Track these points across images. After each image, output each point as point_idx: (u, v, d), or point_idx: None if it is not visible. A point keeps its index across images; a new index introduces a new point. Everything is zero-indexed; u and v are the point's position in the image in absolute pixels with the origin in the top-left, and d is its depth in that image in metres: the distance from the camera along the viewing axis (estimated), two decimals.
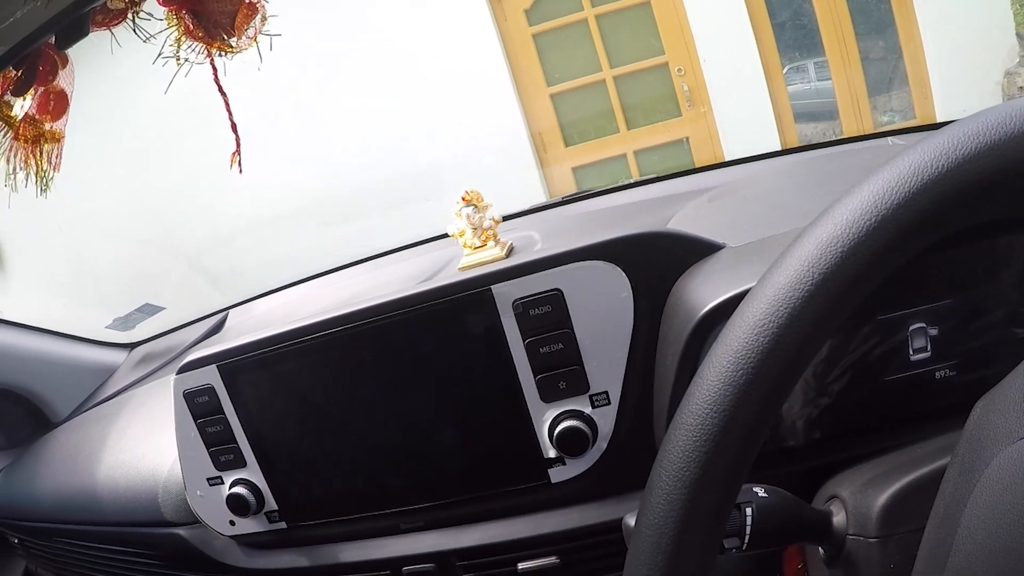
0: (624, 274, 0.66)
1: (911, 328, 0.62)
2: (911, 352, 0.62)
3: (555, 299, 0.67)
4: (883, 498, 0.50)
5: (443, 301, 0.70)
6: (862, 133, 3.02)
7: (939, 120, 2.89)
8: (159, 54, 0.75)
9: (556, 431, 0.68)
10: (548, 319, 0.67)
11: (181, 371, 0.83)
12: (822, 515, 0.55)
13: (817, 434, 0.65)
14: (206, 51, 0.77)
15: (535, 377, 0.69)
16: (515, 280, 0.68)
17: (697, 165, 3.20)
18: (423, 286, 0.71)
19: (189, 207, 2.73)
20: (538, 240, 1.07)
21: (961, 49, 2.90)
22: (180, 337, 1.58)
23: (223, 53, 0.79)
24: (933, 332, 0.62)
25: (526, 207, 1.40)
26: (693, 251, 0.68)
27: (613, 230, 0.67)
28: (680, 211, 0.96)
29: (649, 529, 0.36)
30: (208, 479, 0.85)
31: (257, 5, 0.77)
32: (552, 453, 0.70)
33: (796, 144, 3.23)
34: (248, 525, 0.85)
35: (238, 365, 0.79)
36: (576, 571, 0.75)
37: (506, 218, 1.36)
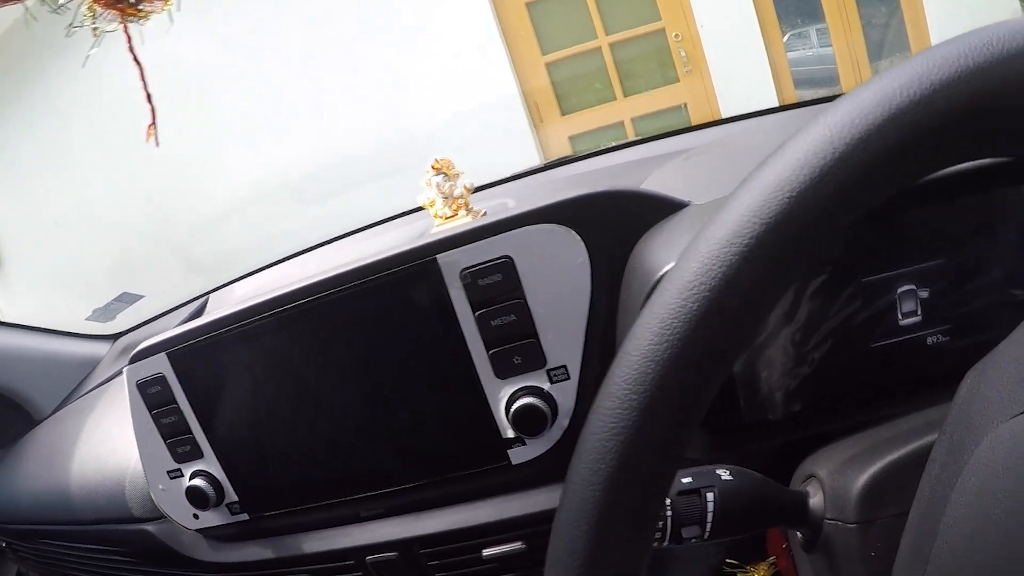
0: (579, 237, 0.61)
1: (899, 291, 0.56)
2: (900, 316, 0.57)
3: (505, 267, 0.61)
4: (863, 479, 0.46)
5: (388, 274, 0.65)
6: None
7: None
8: (70, 24, 0.70)
9: (512, 409, 0.63)
10: (499, 289, 0.62)
11: (132, 360, 0.80)
12: (797, 497, 0.51)
13: (797, 406, 0.60)
14: (119, 18, 0.72)
15: (488, 352, 0.64)
16: (462, 248, 0.63)
17: None
18: (366, 259, 0.66)
19: (167, 193, 2.70)
20: (512, 207, 1.02)
21: (963, 13, 2.81)
22: (163, 324, 1.56)
23: (136, 19, 0.74)
24: (923, 294, 0.56)
25: (507, 175, 1.34)
26: (654, 210, 0.62)
27: (569, 190, 0.62)
28: (656, 171, 0.90)
29: (564, 528, 0.31)
30: (168, 472, 0.82)
31: None
32: (511, 433, 0.65)
33: None
34: (211, 518, 0.82)
35: (187, 351, 0.75)
36: (541, 556, 0.71)
37: (484, 187, 1.31)
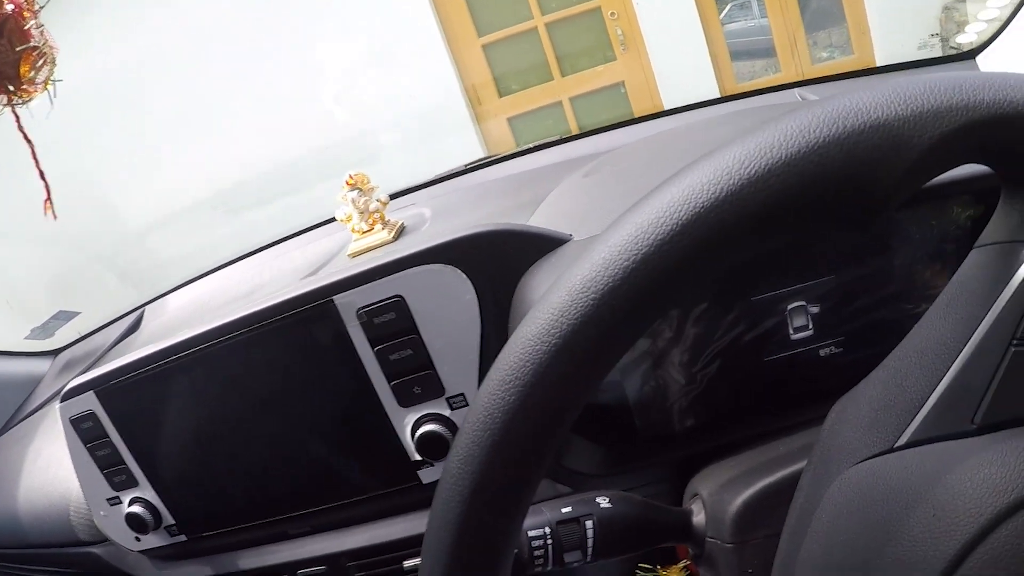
0: (466, 276, 0.64)
1: (790, 307, 0.61)
2: (791, 331, 0.61)
3: (398, 306, 0.65)
4: (737, 503, 0.50)
5: (291, 314, 0.68)
6: (798, 75, 3.01)
7: (877, 59, 2.87)
8: None
9: (417, 435, 0.68)
10: (394, 326, 0.66)
11: (63, 399, 0.82)
12: (681, 516, 0.54)
13: (692, 421, 0.65)
14: (6, 100, 0.75)
15: (390, 384, 0.68)
16: (357, 289, 0.66)
17: (634, 110, 3.19)
18: (269, 300, 0.69)
19: (97, 207, 2.67)
20: (428, 218, 1.05)
21: None
22: (101, 338, 1.56)
23: (20, 101, 0.76)
24: (814, 310, 0.60)
25: (428, 178, 1.37)
26: (536, 247, 0.66)
27: (456, 230, 0.66)
28: (556, 189, 0.94)
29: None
30: (107, 499, 0.86)
31: (43, 50, 0.75)
32: (418, 456, 0.70)
33: (732, 84, 3.20)
34: (152, 540, 0.86)
35: (113, 389, 0.79)
36: None
37: (403, 192, 1.34)
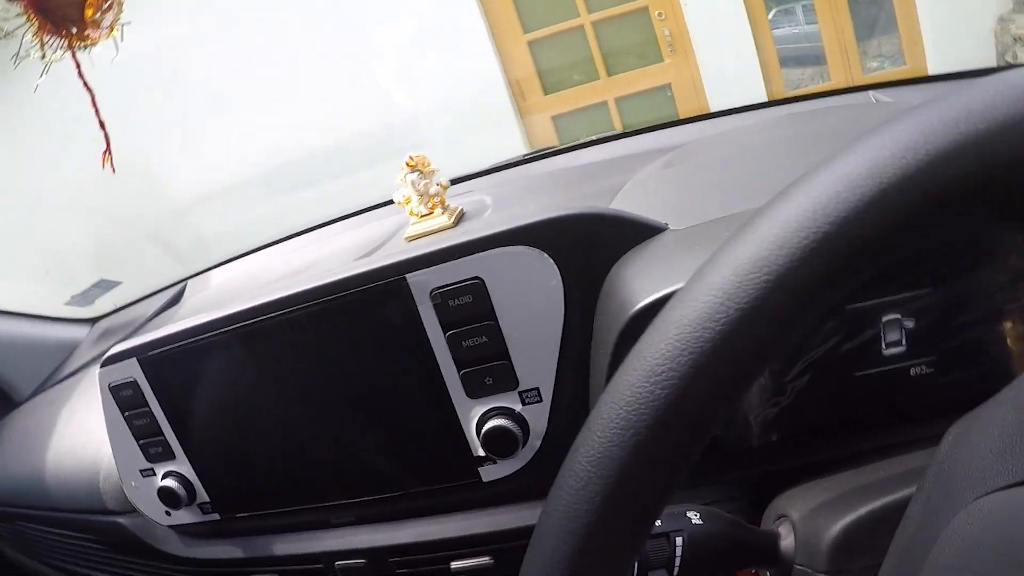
0: (552, 261, 0.60)
1: (884, 319, 0.55)
2: (884, 346, 0.56)
3: (476, 288, 0.61)
4: (836, 528, 0.46)
5: (358, 291, 0.64)
6: (849, 83, 2.93)
7: (930, 70, 2.81)
8: (17, 52, 0.69)
9: (484, 430, 0.63)
10: (470, 310, 0.61)
11: (104, 364, 0.80)
12: (768, 538, 0.50)
13: (776, 435, 0.60)
14: (67, 44, 0.71)
15: (459, 372, 0.64)
16: (432, 268, 0.62)
17: (680, 112, 3.15)
18: (332, 275, 0.65)
19: (143, 179, 2.66)
20: (489, 205, 1.01)
21: None
22: (141, 309, 1.56)
23: (83, 46, 0.73)
24: (908, 324, 0.56)
25: (487, 166, 1.33)
26: (630, 234, 0.61)
27: (543, 211, 0.61)
28: (632, 178, 0.89)
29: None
30: (141, 470, 0.83)
31: None
32: (482, 452, 0.66)
33: (781, 91, 3.14)
34: (183, 516, 0.83)
35: (158, 358, 0.75)
36: (509, 571, 0.71)
37: (462, 179, 1.30)
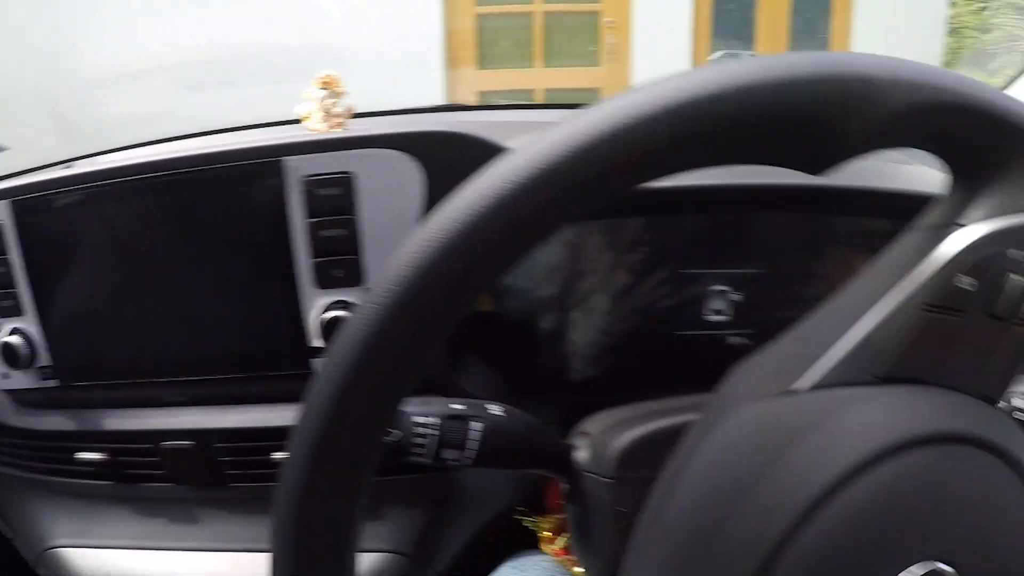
0: (421, 167, 0.64)
1: (712, 288, 0.62)
2: (707, 312, 0.62)
3: (346, 182, 0.64)
4: (623, 439, 0.50)
5: (233, 165, 0.66)
6: None
7: None
8: None
9: (324, 320, 0.66)
10: (335, 202, 0.64)
11: None
12: (562, 447, 0.54)
13: (594, 371, 0.65)
14: None
15: (312, 260, 0.66)
16: (309, 156, 0.64)
17: None
18: (215, 147, 0.67)
19: (52, 46, 2.53)
20: None
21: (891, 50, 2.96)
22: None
23: None
24: (736, 297, 0.62)
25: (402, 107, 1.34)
26: (487, 155, 0.65)
27: (421, 125, 0.65)
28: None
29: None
30: None
31: None
32: (319, 343, 0.68)
33: None
34: (20, 380, 0.80)
35: (29, 204, 0.74)
36: None
37: (367, 115, 1.31)
